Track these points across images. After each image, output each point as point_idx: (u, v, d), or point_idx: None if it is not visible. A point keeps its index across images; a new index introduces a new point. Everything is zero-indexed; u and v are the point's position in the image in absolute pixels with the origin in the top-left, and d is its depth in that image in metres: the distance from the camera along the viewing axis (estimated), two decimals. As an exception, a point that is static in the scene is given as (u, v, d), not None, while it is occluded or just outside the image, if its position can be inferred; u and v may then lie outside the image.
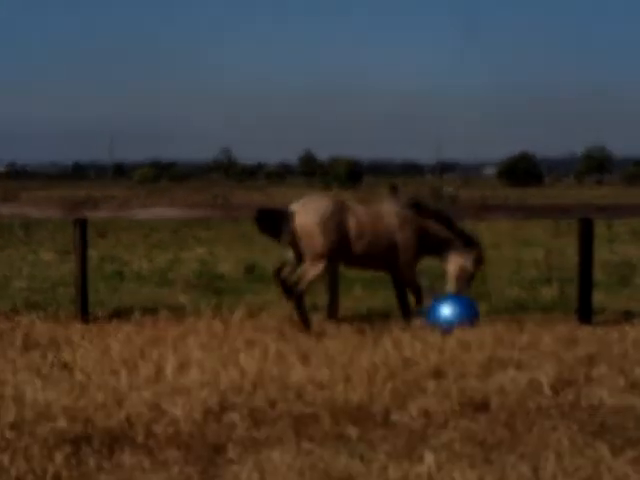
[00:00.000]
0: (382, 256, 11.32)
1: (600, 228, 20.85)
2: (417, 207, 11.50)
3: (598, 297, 12.67)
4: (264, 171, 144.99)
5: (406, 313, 11.44)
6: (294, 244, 11.07)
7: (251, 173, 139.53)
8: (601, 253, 18.11)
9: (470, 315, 10.90)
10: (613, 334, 10.34)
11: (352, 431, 6.96)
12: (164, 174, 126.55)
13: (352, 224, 11.05)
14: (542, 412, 7.45)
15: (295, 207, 11.08)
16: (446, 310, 10.92)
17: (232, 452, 6.48)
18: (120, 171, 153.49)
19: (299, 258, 11.13)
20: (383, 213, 11.29)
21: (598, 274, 14.51)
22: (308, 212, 10.98)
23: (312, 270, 10.98)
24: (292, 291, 10.96)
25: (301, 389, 7.93)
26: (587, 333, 10.56)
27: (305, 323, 10.82)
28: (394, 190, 70.08)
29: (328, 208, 10.99)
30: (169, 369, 8.49)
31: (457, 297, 11.27)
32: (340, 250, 11.06)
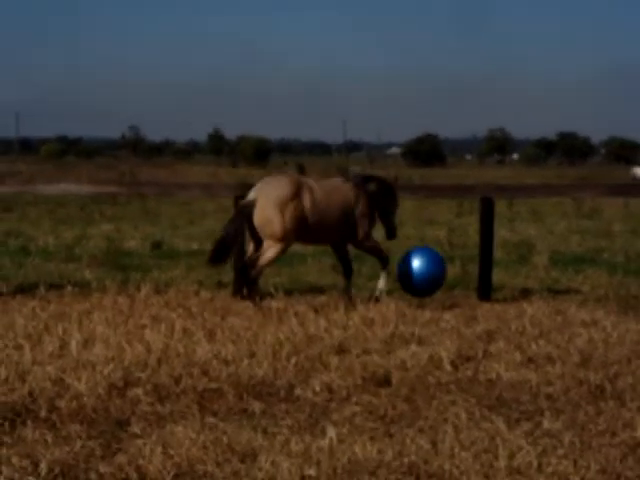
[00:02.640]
0: (340, 230, 11.43)
1: (501, 207, 21.27)
2: (365, 180, 11.71)
3: (498, 275, 12.97)
4: (172, 149, 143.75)
5: (349, 288, 11.66)
6: (252, 231, 11.01)
7: (159, 150, 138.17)
8: (501, 232, 18.51)
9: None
10: (511, 311, 10.61)
11: (256, 406, 7.05)
12: (71, 150, 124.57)
13: (309, 202, 11.04)
14: (442, 387, 7.64)
15: (253, 194, 11.01)
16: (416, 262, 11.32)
17: (136, 427, 6.52)
18: (26, 146, 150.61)
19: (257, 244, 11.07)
20: (338, 188, 11.40)
21: (498, 252, 14.82)
22: (267, 197, 10.92)
23: (272, 252, 10.94)
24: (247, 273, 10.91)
25: (206, 365, 8.00)
26: (486, 310, 10.82)
27: (255, 305, 10.70)
28: (301, 169, 70.27)
29: (286, 189, 10.95)
30: (73, 344, 8.47)
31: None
32: (299, 229, 11.03)
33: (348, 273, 11.78)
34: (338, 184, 11.50)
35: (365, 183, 11.59)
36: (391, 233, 11.99)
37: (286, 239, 10.93)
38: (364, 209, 11.46)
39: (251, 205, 10.87)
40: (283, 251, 11.05)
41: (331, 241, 11.70)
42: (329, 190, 11.28)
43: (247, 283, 10.93)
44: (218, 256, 10.98)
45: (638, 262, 15.79)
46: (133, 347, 8.40)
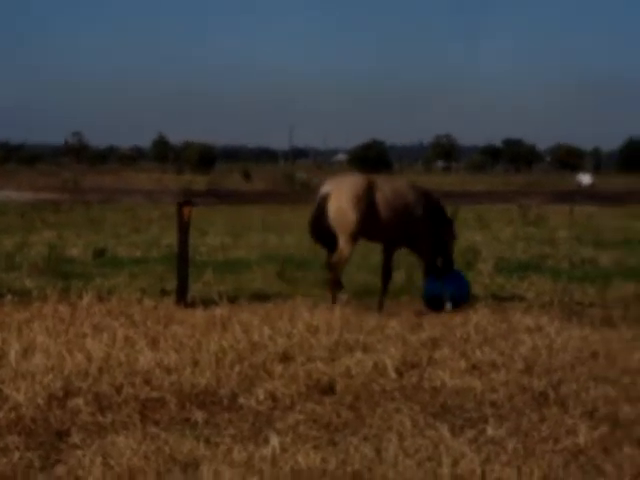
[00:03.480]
0: (399, 230, 11.61)
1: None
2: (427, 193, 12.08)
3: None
4: (116, 155, 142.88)
5: (383, 294, 11.83)
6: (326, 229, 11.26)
7: (103, 157, 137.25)
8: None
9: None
10: (456, 318, 10.61)
11: (198, 415, 6.97)
12: (12, 156, 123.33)
13: (380, 199, 11.33)
14: (386, 394, 7.60)
15: (328, 187, 11.23)
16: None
17: (76, 437, 6.41)
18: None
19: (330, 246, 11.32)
20: (403, 190, 11.61)
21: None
22: (342, 191, 11.14)
23: (347, 248, 11.24)
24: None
25: (148, 374, 7.89)
26: (432, 317, 10.81)
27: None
28: (247, 176, 70.14)
29: (360, 184, 11.21)
30: (12, 354, 8.32)
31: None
32: (368, 224, 11.27)
33: (387, 278, 11.93)
34: (403, 186, 11.76)
35: (427, 194, 11.91)
36: (448, 264, 12.07)
37: (357, 233, 11.25)
38: (422, 214, 11.66)
39: (326, 198, 11.07)
40: (353, 246, 11.34)
41: (389, 239, 11.87)
42: (395, 190, 11.53)
43: (332, 285, 11.25)
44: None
45: (582, 269, 15.92)
46: (74, 356, 8.26)
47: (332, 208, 11.16)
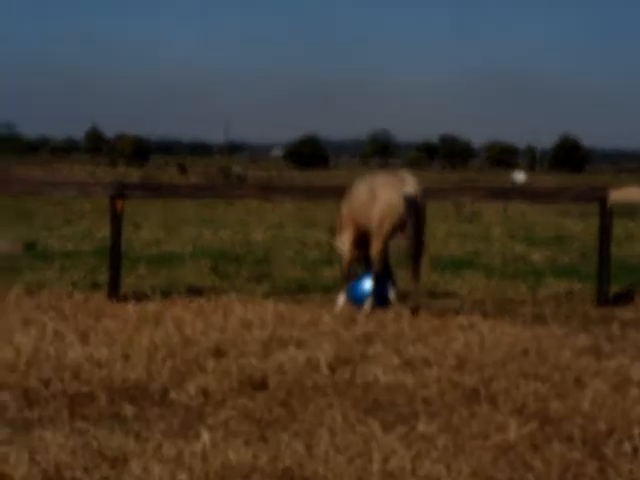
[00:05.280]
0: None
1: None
2: None
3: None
4: (49, 147, 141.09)
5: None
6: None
7: (35, 148, 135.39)
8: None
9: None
10: (390, 314, 10.61)
11: (128, 410, 6.91)
12: None
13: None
14: (318, 390, 7.58)
15: (413, 188, 10.86)
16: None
17: (2, 432, 6.30)
18: None
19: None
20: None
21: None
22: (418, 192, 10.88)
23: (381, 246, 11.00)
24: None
25: (78, 368, 7.81)
26: (363, 313, 10.76)
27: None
28: (182, 169, 69.75)
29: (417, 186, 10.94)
30: (-62, 348, 8.17)
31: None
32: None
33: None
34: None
35: None
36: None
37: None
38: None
39: (416, 199, 10.79)
40: None
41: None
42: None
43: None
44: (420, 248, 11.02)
45: (515, 266, 16.03)
46: (1, 350, 8.15)
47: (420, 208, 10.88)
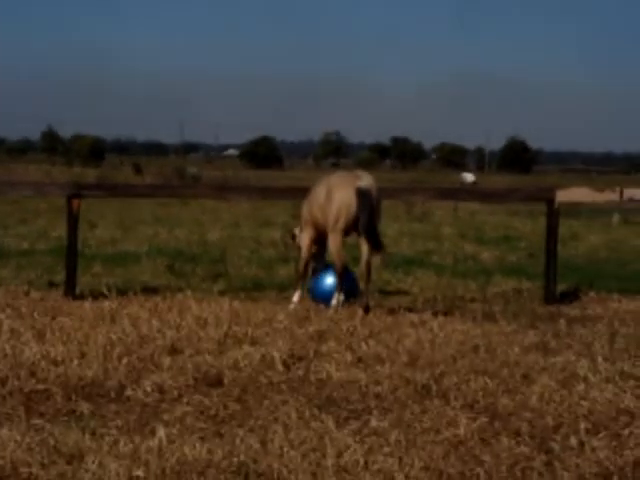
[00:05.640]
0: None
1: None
2: None
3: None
4: (4, 147, 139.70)
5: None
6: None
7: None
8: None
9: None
10: (343, 312, 10.74)
11: (85, 407, 6.97)
12: None
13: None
14: (273, 386, 7.70)
15: (367, 182, 10.99)
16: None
17: (-41, 430, 6.35)
18: None
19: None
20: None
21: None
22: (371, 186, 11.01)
23: None
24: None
25: (34, 366, 7.86)
26: (318, 310, 10.88)
27: None
28: (137, 169, 69.49)
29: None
30: None
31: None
32: None
33: None
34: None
35: None
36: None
37: None
38: None
39: (370, 193, 10.90)
40: None
41: None
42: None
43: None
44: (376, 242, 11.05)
45: (465, 264, 16.26)
46: (-42, 348, 8.17)
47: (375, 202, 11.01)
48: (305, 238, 11.51)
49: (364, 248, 11.07)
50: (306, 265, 11.55)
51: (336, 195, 10.97)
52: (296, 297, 11.34)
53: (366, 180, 11.02)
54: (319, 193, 11.20)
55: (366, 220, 10.87)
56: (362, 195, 10.87)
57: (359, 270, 11.33)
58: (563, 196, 12.41)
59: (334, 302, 11.03)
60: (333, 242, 11.07)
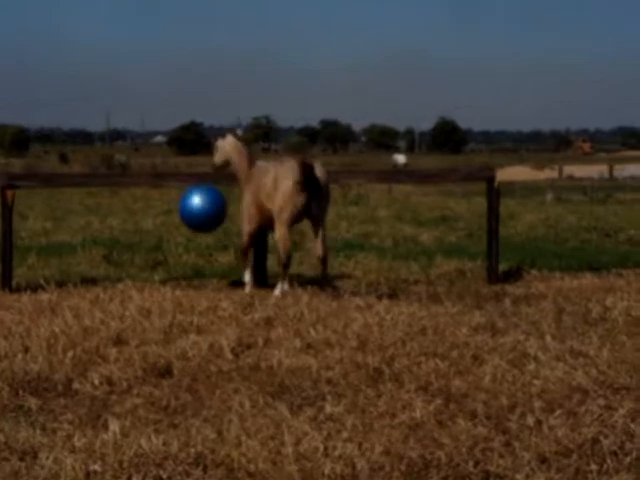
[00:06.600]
0: None
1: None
2: None
3: (271, 261, 12.98)
4: None
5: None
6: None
7: None
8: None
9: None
10: (288, 297, 10.65)
11: (32, 402, 6.83)
12: None
13: None
14: (224, 375, 7.60)
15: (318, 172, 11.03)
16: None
17: None
18: None
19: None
20: None
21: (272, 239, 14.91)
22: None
23: None
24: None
25: (-23, 361, 7.67)
26: (261, 297, 10.80)
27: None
28: (63, 158, 68.71)
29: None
30: None
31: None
32: None
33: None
34: None
35: None
36: None
37: None
38: None
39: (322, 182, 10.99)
40: None
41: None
42: None
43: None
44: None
45: (405, 246, 16.26)
46: None
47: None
48: (248, 224, 11.42)
49: (317, 236, 11.11)
50: (247, 251, 11.49)
51: (282, 186, 10.90)
52: (247, 277, 11.40)
53: (319, 169, 11.01)
54: (266, 182, 11.10)
55: (319, 211, 11.03)
56: (317, 183, 10.87)
57: (314, 257, 11.32)
58: (503, 175, 12.45)
59: (277, 292, 10.95)
60: (279, 232, 11.01)
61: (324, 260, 11.26)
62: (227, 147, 11.77)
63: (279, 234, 11.04)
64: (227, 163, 11.86)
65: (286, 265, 11.14)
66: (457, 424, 6.31)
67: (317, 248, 11.25)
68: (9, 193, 11.54)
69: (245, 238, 11.52)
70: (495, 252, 12.39)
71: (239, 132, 13.52)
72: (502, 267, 12.81)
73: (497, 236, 12.47)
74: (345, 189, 27.32)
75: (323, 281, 11.20)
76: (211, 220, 11.62)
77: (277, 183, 10.96)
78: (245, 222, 11.48)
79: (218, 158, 11.91)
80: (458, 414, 6.54)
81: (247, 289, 11.20)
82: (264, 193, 11.09)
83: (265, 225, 11.41)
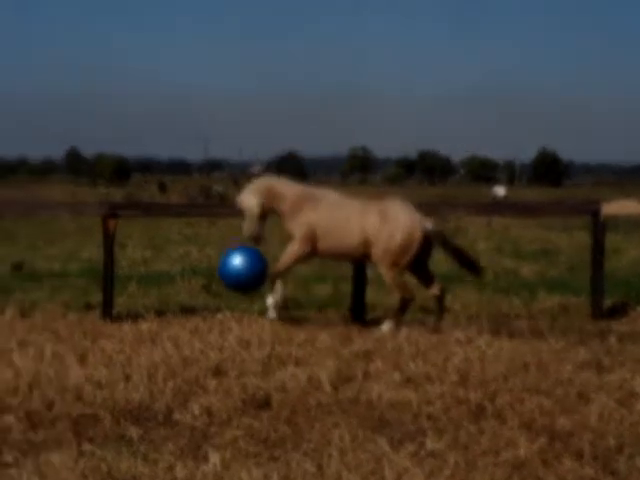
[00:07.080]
0: None
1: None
2: None
3: (370, 294, 12.90)
4: (27, 167, 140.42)
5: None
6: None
7: (12, 169, 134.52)
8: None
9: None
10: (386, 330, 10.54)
11: (133, 431, 6.83)
12: None
13: None
14: (323, 408, 7.53)
15: (432, 224, 11.31)
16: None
17: (8, 456, 6.23)
18: None
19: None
20: None
21: (370, 271, 14.82)
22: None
23: None
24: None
25: (79, 389, 7.73)
26: (361, 330, 10.74)
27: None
28: (162, 188, 69.62)
29: None
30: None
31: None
32: None
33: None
34: None
35: None
36: None
37: None
38: None
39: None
40: None
41: None
42: None
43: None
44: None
45: (506, 279, 16.00)
46: (2, 372, 8.05)
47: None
48: (295, 252, 11.30)
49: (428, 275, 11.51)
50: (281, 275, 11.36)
51: (400, 228, 11.03)
52: (270, 301, 11.20)
53: (429, 220, 11.24)
54: (346, 219, 11.12)
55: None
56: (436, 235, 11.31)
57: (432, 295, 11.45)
58: (609, 209, 12.19)
59: (385, 328, 10.84)
60: (392, 278, 11.11)
61: (440, 298, 11.33)
62: (253, 202, 11.32)
63: (393, 280, 11.17)
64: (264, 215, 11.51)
65: (403, 309, 11.13)
66: (563, 464, 6.15)
67: (434, 288, 11.28)
68: (111, 222, 11.65)
69: (286, 262, 11.38)
70: (600, 287, 12.12)
71: (257, 169, 13.37)
72: (607, 303, 12.51)
73: (602, 271, 12.19)
74: (442, 222, 27.07)
75: (439, 319, 11.18)
76: (252, 281, 11.34)
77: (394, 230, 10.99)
78: (296, 244, 11.36)
79: (249, 223, 11.41)
80: (564, 453, 6.38)
81: (270, 314, 11.05)
82: (359, 229, 11.01)
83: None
